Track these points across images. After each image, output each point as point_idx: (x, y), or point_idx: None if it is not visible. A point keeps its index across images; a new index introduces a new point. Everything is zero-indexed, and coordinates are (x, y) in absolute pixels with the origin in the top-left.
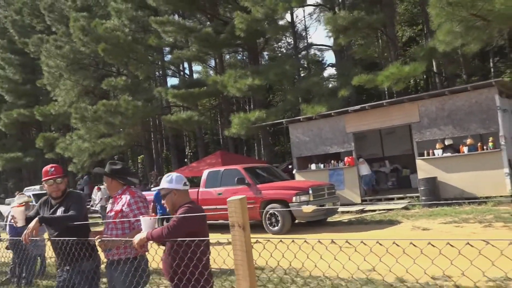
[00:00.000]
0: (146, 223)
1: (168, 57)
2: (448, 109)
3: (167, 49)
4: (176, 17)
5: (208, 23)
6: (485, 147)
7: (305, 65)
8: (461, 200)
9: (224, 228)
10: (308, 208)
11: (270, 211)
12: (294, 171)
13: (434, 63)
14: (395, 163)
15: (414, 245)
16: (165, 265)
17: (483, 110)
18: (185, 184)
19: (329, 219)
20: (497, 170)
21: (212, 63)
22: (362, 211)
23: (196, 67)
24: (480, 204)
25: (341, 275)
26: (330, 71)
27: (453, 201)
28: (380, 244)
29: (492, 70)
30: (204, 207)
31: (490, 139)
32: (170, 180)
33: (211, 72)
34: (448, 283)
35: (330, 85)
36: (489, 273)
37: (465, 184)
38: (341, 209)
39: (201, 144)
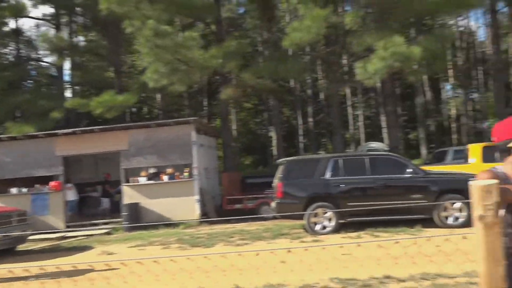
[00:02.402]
0: None
1: None
2: (153, 140)
3: None
4: None
5: None
6: (181, 176)
7: (33, 78)
8: (159, 223)
9: None
10: None
11: None
12: None
13: (157, 95)
14: (114, 187)
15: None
16: None
17: (182, 143)
18: None
19: (20, 248)
20: (190, 197)
21: None
22: (63, 237)
23: None
24: (174, 227)
25: None
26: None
27: (151, 225)
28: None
29: (206, 108)
30: None
31: (186, 169)
32: None
33: None
34: None
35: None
36: None
37: (164, 209)
38: (41, 236)
39: None
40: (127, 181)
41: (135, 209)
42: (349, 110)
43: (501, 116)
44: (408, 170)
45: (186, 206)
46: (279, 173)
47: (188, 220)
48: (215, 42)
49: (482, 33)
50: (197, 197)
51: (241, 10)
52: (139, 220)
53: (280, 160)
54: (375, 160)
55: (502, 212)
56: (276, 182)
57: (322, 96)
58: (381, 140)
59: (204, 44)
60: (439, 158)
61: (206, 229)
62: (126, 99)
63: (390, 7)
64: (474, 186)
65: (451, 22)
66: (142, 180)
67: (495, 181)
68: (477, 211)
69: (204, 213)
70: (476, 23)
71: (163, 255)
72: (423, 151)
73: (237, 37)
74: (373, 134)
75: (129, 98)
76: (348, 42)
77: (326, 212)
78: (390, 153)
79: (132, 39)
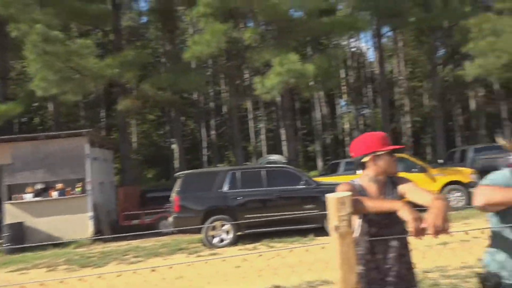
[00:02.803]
0: None
1: None
2: (42, 153)
3: None
4: None
5: None
6: (73, 192)
7: None
8: (47, 244)
9: None
10: None
11: None
12: None
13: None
14: None
15: None
16: None
17: (75, 157)
18: None
19: None
20: (83, 214)
21: None
22: None
23: None
24: (64, 247)
25: None
26: None
27: (38, 245)
28: None
29: (103, 119)
30: None
31: (79, 184)
32: None
33: None
34: None
35: None
36: None
37: (52, 228)
38: None
39: None
40: (10, 199)
41: (18, 229)
42: (252, 123)
43: (387, 130)
44: (301, 182)
45: (78, 223)
46: (176, 187)
47: (80, 238)
48: (113, 51)
49: (371, 54)
50: (90, 213)
51: (144, 20)
52: (23, 241)
53: (178, 173)
54: (271, 172)
55: (359, 221)
56: (173, 196)
57: (225, 109)
58: (281, 153)
59: (102, 52)
60: (333, 170)
61: (99, 248)
62: (11, 108)
63: (288, 25)
64: (330, 199)
65: (344, 42)
66: (28, 197)
67: (349, 193)
68: (332, 222)
69: (99, 231)
70: (366, 44)
71: (48, 278)
72: (320, 163)
73: (139, 47)
74: (275, 146)
75: (14, 107)
76: (248, 57)
77: (224, 225)
78: (285, 166)
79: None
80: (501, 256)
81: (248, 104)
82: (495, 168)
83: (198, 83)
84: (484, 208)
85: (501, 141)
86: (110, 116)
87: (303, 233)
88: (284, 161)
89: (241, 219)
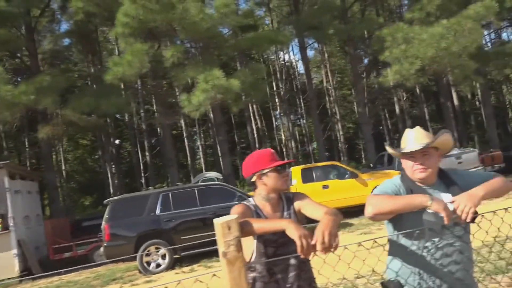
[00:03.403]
0: None
1: None
2: None
3: None
4: None
5: None
6: None
7: None
8: None
9: None
10: None
11: None
12: None
13: None
14: None
15: None
16: None
17: None
18: None
19: None
20: (7, 252)
21: None
22: None
23: None
24: None
25: None
26: None
27: None
28: None
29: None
30: None
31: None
32: None
33: None
34: None
35: None
36: None
37: None
38: None
39: None
40: None
41: None
42: (188, 140)
43: (320, 140)
44: (235, 198)
45: (2, 263)
46: (105, 214)
47: (5, 279)
48: (29, 77)
49: (301, 66)
50: (15, 251)
51: (66, 42)
52: None
53: (107, 200)
54: (204, 190)
55: (254, 242)
56: (103, 224)
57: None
58: (219, 169)
59: (23, 78)
60: None
61: (27, 287)
62: None
63: (210, 42)
64: (215, 223)
65: (273, 56)
66: None
67: (235, 216)
68: (220, 248)
69: (26, 269)
70: (295, 57)
71: None
72: None
73: (63, 70)
74: (214, 163)
75: None
76: (173, 76)
77: (159, 249)
78: (218, 183)
79: None
80: (398, 263)
81: (182, 122)
82: None
83: (120, 105)
84: (374, 218)
85: (389, 149)
86: (35, 144)
87: None
88: (221, 177)
89: (177, 241)
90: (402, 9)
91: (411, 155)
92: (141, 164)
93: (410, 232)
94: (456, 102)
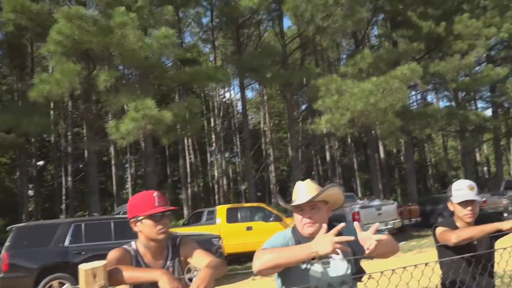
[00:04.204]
0: None
1: None
2: None
3: None
4: None
5: None
6: None
7: None
8: None
9: None
10: None
11: None
12: None
13: None
14: None
15: None
16: None
17: None
18: None
19: None
20: None
21: None
22: None
23: None
24: None
25: None
26: None
27: None
28: None
29: None
30: None
31: None
32: None
33: None
34: None
35: None
36: None
37: None
38: None
39: None
40: None
41: None
42: (116, 169)
43: (251, 180)
44: None
45: None
46: (7, 242)
47: None
48: None
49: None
50: None
51: None
52: None
53: (10, 226)
54: (121, 224)
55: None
56: (2, 252)
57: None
58: None
59: None
60: (196, 219)
61: None
62: None
63: (147, 72)
64: (79, 269)
65: (213, 93)
66: None
67: (103, 263)
68: None
69: None
70: (236, 95)
71: None
72: (186, 211)
73: None
74: None
75: None
76: (104, 101)
77: (63, 284)
78: None
79: None
80: None
81: (112, 149)
82: (339, 216)
83: (44, 125)
84: (261, 273)
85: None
86: None
87: None
88: None
89: None
90: (340, 62)
91: (300, 209)
92: (64, 189)
93: None
94: (382, 155)
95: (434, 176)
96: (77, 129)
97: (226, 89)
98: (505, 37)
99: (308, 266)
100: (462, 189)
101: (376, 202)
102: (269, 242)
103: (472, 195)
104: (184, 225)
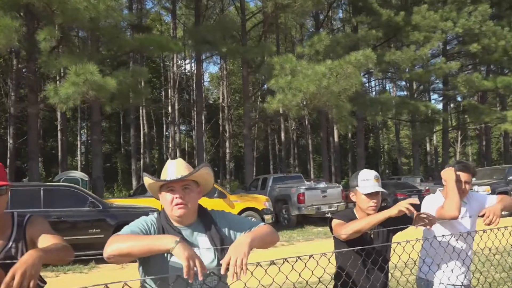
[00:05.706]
0: None
1: None
2: None
3: None
4: None
5: None
6: None
7: None
8: None
9: None
10: None
11: None
12: None
13: None
14: None
15: None
16: None
17: None
18: None
19: None
20: None
21: None
22: None
23: None
24: None
25: None
26: None
27: None
28: None
29: None
30: None
31: None
32: None
33: None
34: None
35: None
36: None
37: None
38: None
39: None
40: None
41: None
42: (61, 134)
43: (201, 154)
44: (86, 204)
45: None
46: None
47: None
48: None
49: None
50: None
51: None
52: None
53: None
54: (52, 191)
55: None
56: None
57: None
58: (98, 169)
59: None
60: (143, 190)
61: None
62: None
63: (92, 35)
64: None
65: (169, 63)
66: None
67: None
68: None
69: None
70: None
71: None
72: (134, 182)
73: None
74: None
75: None
76: (42, 62)
77: None
78: (69, 184)
79: None
80: None
81: (58, 113)
82: (286, 196)
83: None
84: (111, 260)
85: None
86: None
87: (85, 261)
88: (87, 179)
89: None
90: (303, 43)
91: (170, 188)
92: (8, 152)
93: (156, 278)
94: (336, 138)
95: (386, 162)
96: (23, 91)
97: (187, 62)
98: (460, 32)
99: (169, 256)
100: (369, 180)
101: (322, 185)
102: (128, 226)
103: (378, 186)
104: (129, 196)
